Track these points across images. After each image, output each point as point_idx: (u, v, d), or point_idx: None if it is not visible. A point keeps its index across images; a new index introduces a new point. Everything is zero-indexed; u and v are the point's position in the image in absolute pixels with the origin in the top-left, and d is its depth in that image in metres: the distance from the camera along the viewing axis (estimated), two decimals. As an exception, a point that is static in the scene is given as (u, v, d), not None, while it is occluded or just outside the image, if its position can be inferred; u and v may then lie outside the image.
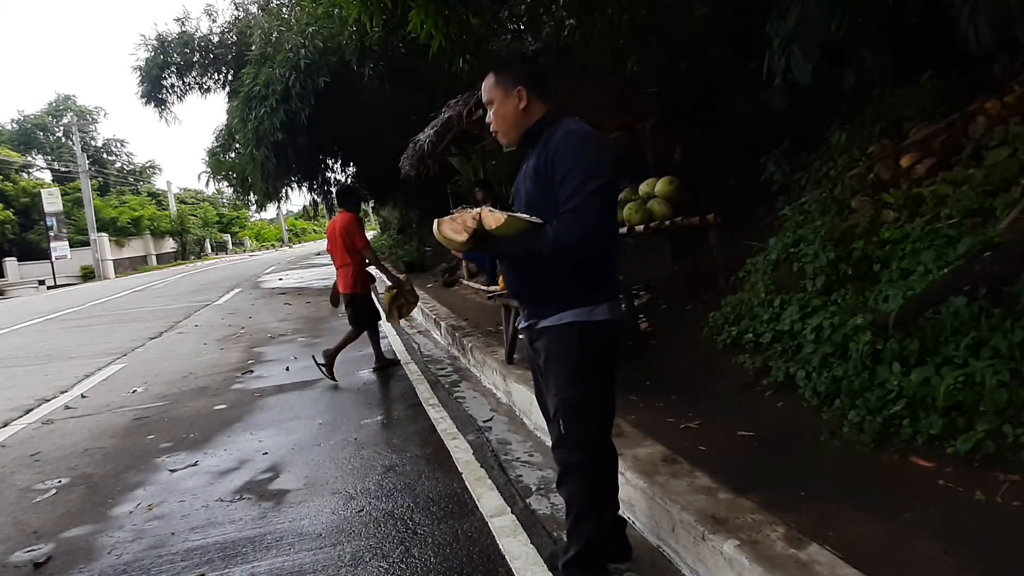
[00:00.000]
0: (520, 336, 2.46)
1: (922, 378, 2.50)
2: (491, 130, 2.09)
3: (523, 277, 2.07)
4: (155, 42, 18.51)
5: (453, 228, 1.90)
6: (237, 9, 18.96)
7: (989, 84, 3.74)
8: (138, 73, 18.72)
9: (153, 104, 19.18)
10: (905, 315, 2.73)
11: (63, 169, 37.82)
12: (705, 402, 3.38)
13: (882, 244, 3.35)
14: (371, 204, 23.66)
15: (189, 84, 19.38)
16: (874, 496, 2.18)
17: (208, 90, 19.74)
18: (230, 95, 17.64)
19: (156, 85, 18.86)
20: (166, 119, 19.73)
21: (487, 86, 2.08)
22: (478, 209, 1.92)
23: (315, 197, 20.80)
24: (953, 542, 1.86)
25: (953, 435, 2.30)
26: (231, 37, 18.64)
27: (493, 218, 1.89)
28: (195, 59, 18.77)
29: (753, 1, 4.91)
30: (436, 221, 1.93)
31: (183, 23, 18.98)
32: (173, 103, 19.50)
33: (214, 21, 19.88)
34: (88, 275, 31.56)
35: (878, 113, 4.37)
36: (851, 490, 2.25)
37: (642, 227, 4.75)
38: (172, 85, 19.21)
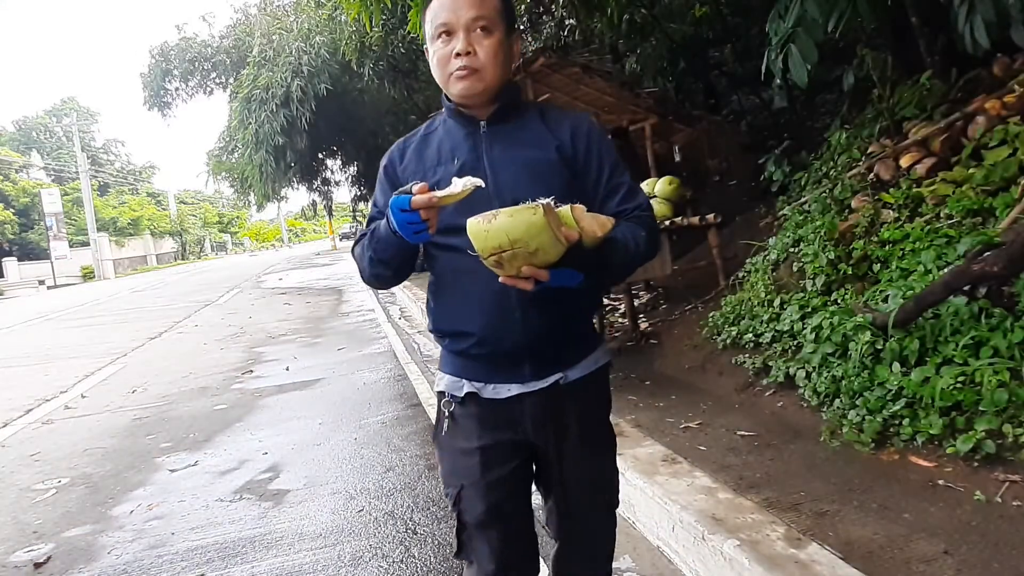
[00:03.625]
0: (452, 410, 1.39)
1: (922, 378, 2.50)
2: (460, 64, 1.27)
3: (558, 310, 1.29)
4: (158, 49, 18.66)
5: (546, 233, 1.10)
6: (236, 13, 19.06)
7: (989, 84, 3.74)
8: (143, 82, 18.89)
9: (158, 109, 19.34)
10: (905, 315, 2.73)
11: (63, 169, 37.82)
12: (705, 402, 3.39)
13: (882, 244, 3.35)
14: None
15: (192, 88, 19.52)
16: (874, 496, 2.18)
17: (211, 92, 19.86)
18: (232, 96, 17.73)
19: (160, 92, 19.02)
20: (169, 123, 19.98)
21: (486, 2, 1.29)
22: (567, 206, 1.19)
23: (315, 198, 20.86)
24: (953, 542, 1.86)
25: (953, 435, 2.30)
26: (230, 43, 18.73)
27: (598, 222, 1.24)
28: (196, 65, 18.90)
29: (753, 1, 4.91)
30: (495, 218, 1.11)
31: (181, 29, 19.13)
32: (177, 106, 19.66)
33: (211, 26, 20.07)
34: (88, 275, 31.59)
35: (878, 113, 4.37)
36: (851, 490, 2.25)
37: (642, 227, 4.74)
38: (176, 89, 19.37)
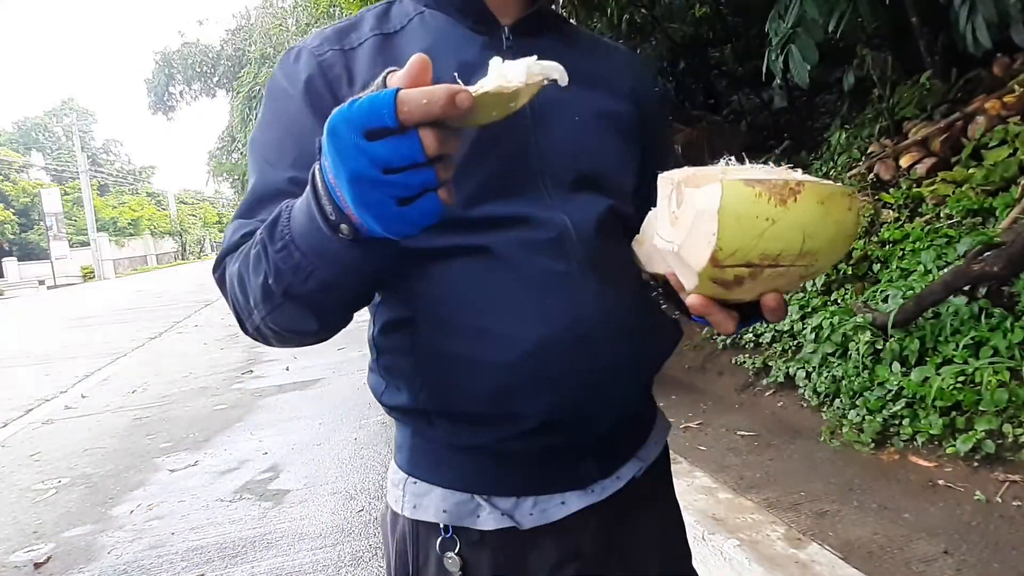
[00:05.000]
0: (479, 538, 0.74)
1: (922, 378, 2.50)
2: None
3: (657, 358, 0.77)
4: (160, 55, 18.86)
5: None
6: (235, 18, 19.20)
7: (989, 84, 3.74)
8: (147, 87, 19.07)
9: (162, 113, 19.54)
10: (905, 315, 2.73)
11: (63, 169, 37.88)
12: (705, 402, 3.39)
13: (882, 244, 3.35)
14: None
15: (196, 91, 19.70)
16: (874, 496, 2.19)
17: (214, 95, 20.02)
18: (233, 96, 17.82)
19: (164, 96, 19.21)
20: (175, 127, 20.21)
21: None
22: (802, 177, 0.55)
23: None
24: (953, 542, 1.86)
25: (953, 435, 2.30)
26: (229, 48, 18.84)
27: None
28: (199, 70, 19.07)
29: (753, 1, 4.91)
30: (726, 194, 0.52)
31: (183, 34, 19.31)
32: (181, 109, 19.86)
33: (210, 30, 20.30)
34: (88, 275, 31.59)
35: (878, 113, 4.37)
36: (851, 490, 2.25)
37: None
38: (180, 92, 19.56)
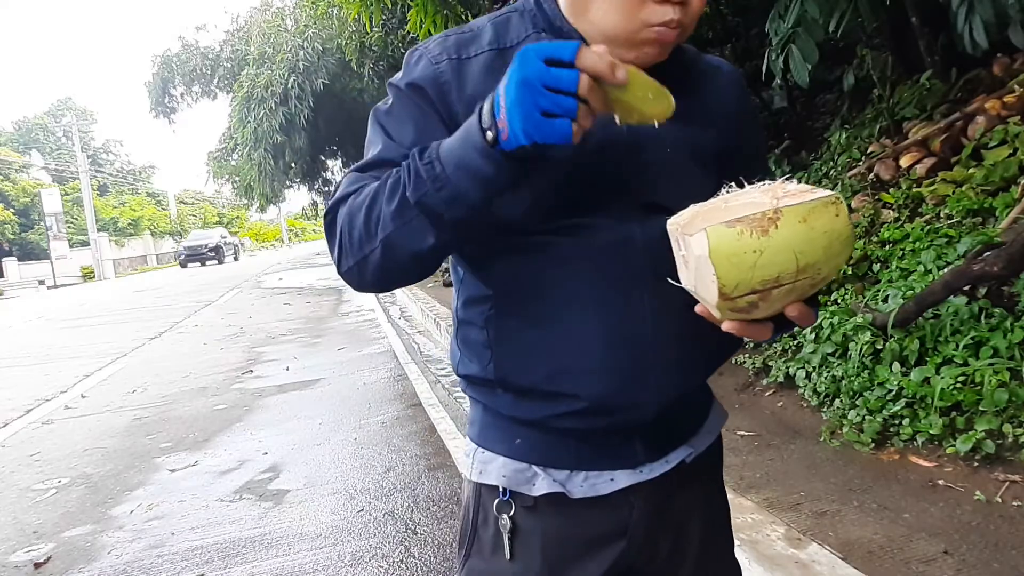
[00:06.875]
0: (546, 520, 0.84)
1: (922, 378, 2.50)
2: (671, 17, 0.72)
3: (710, 354, 0.87)
4: (160, 58, 18.93)
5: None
6: (233, 22, 19.28)
7: (989, 84, 3.74)
8: (147, 90, 19.15)
9: (163, 116, 19.61)
10: (905, 315, 2.73)
11: (63, 169, 37.88)
12: (705, 402, 3.39)
13: (882, 244, 3.36)
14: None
15: (196, 93, 19.77)
16: (874, 496, 2.19)
17: (215, 97, 20.08)
18: (233, 97, 17.88)
19: (164, 99, 19.28)
20: (175, 130, 20.31)
21: None
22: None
23: (314, 198, 20.94)
24: (953, 542, 1.86)
25: (953, 435, 2.30)
26: (229, 50, 18.88)
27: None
28: (199, 72, 19.14)
29: (753, 1, 4.92)
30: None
31: (183, 39, 19.36)
32: (182, 111, 19.98)
33: (210, 34, 20.40)
34: (88, 275, 31.58)
35: (878, 113, 4.38)
36: (851, 490, 2.25)
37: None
38: (181, 95, 19.65)
